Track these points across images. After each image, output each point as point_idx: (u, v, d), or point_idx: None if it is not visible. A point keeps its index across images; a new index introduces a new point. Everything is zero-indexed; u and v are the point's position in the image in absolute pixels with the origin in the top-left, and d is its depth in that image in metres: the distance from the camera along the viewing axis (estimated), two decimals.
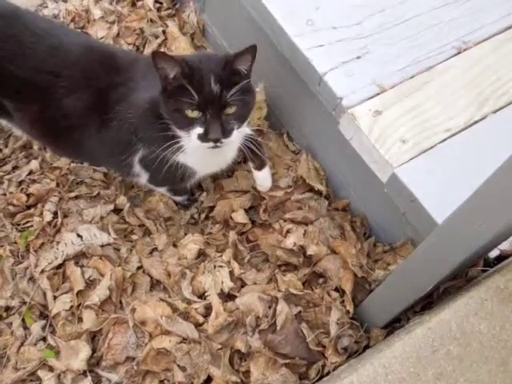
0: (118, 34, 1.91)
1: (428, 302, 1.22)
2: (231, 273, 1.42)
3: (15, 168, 1.68)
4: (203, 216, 1.59)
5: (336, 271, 1.37)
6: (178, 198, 1.59)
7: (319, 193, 1.53)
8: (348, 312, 1.33)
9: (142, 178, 1.45)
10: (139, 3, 1.94)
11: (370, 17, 1.41)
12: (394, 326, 1.28)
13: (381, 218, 1.44)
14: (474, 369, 0.83)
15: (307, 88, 1.40)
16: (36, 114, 1.35)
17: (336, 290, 1.37)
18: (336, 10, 1.41)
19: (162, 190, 1.55)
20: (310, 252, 1.38)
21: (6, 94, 1.34)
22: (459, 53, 1.39)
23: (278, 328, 1.30)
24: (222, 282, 1.40)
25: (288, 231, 1.44)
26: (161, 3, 1.92)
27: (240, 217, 1.51)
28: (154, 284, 1.48)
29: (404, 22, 1.43)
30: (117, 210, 1.60)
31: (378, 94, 1.32)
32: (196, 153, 1.27)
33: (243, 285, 1.43)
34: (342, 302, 1.35)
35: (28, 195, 1.61)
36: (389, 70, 1.35)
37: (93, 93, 1.30)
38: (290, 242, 1.39)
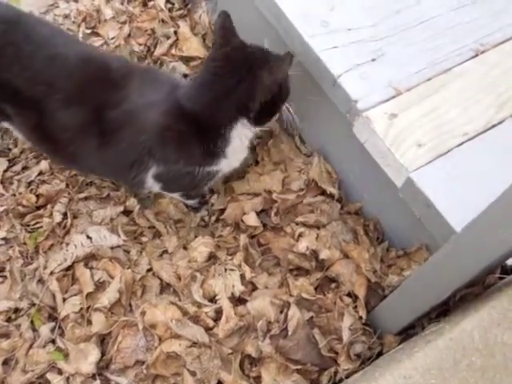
0: (129, 35, 1.89)
1: (444, 309, 1.20)
2: (242, 276, 1.41)
3: (25, 168, 1.67)
4: (214, 218, 1.57)
5: (349, 276, 1.35)
6: (190, 202, 1.58)
7: (331, 196, 1.51)
8: (361, 318, 1.31)
9: (155, 188, 1.44)
10: (150, 3, 1.93)
11: (385, 18, 1.39)
12: (408, 332, 1.26)
13: (394, 222, 1.42)
14: (497, 381, 0.81)
15: (321, 90, 1.39)
16: (33, 122, 1.33)
17: (349, 295, 1.35)
18: (351, 12, 1.39)
19: (176, 195, 1.53)
20: (322, 256, 1.37)
21: (5, 98, 1.33)
22: (477, 55, 1.37)
23: (290, 333, 1.28)
24: (233, 286, 1.39)
25: (300, 235, 1.42)
26: (172, 4, 1.91)
27: (251, 220, 1.49)
28: (164, 287, 1.46)
29: (420, 23, 1.41)
30: (127, 212, 1.58)
31: (393, 97, 1.30)
32: (235, 153, 1.33)
33: (254, 289, 1.41)
34: (355, 307, 1.33)
35: (37, 196, 1.59)
36: (405, 72, 1.33)
37: (89, 109, 1.28)
38: (302, 246, 1.37)
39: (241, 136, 1.31)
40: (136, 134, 1.28)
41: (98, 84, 1.30)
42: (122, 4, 1.95)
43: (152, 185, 1.40)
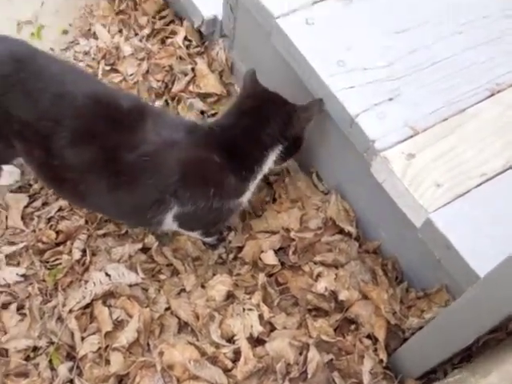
0: (147, 71, 1.92)
1: (467, 354, 1.18)
2: (260, 316, 1.40)
3: (45, 204, 1.68)
4: (231, 256, 1.57)
5: (368, 317, 1.34)
6: (209, 239, 1.58)
7: (349, 234, 1.51)
8: (381, 361, 1.29)
9: (173, 227, 1.45)
10: (169, 41, 1.96)
11: (401, 58, 1.39)
12: (429, 377, 1.24)
13: (414, 262, 1.40)
14: None
15: (338, 129, 1.39)
16: (41, 159, 1.34)
17: (368, 337, 1.34)
18: (367, 51, 1.40)
19: (195, 233, 1.53)
20: (341, 297, 1.36)
21: (15, 134, 1.35)
22: (492, 95, 1.36)
23: (309, 376, 1.27)
24: (252, 326, 1.38)
25: (319, 275, 1.41)
26: (190, 41, 1.94)
27: (269, 258, 1.49)
28: (182, 326, 1.46)
29: (436, 63, 1.41)
30: (145, 249, 1.59)
31: (410, 137, 1.30)
32: (255, 184, 1.41)
33: (272, 329, 1.40)
34: (375, 350, 1.31)
35: (57, 232, 1.61)
36: (421, 112, 1.33)
37: (100, 149, 1.29)
38: (321, 286, 1.37)
39: (268, 166, 1.41)
40: (159, 175, 1.29)
41: (109, 123, 1.31)
42: (141, 41, 1.99)
43: (170, 225, 1.41)
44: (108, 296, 1.49)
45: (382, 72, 1.37)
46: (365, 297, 1.38)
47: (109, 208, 1.45)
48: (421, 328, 1.24)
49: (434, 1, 1.51)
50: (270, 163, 1.40)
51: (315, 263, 1.46)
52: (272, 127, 1.35)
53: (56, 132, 1.28)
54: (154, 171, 1.29)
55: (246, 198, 1.43)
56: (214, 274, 1.54)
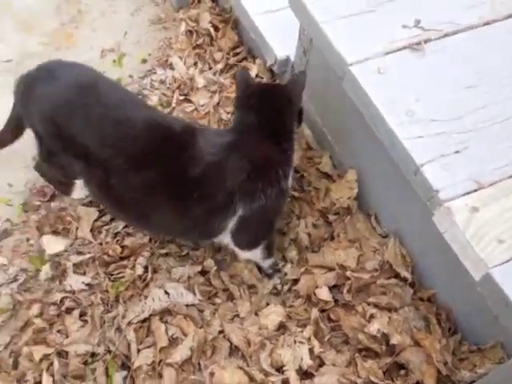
0: (218, 103, 2.03)
1: None
2: (311, 350, 1.44)
3: (112, 219, 1.78)
4: (286, 288, 1.62)
5: (419, 365, 1.35)
6: (268, 261, 1.63)
7: (404, 280, 1.53)
8: None
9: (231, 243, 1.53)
10: None
11: (470, 112, 1.42)
12: None
13: (469, 315, 1.41)
14: None
15: (402, 176, 1.43)
16: (101, 180, 1.43)
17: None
18: (436, 103, 1.44)
19: (258, 250, 1.57)
20: (393, 341, 1.38)
21: (77, 155, 1.45)
22: None
23: None
24: (301, 359, 1.42)
25: (372, 316, 1.44)
26: (261, 78, 2.03)
27: (324, 294, 1.53)
28: (233, 350, 1.51)
29: (504, 120, 1.43)
30: (203, 272, 1.66)
31: (475, 191, 1.32)
32: None
33: (322, 364, 1.43)
34: None
35: (122, 247, 1.70)
36: (487, 167, 1.35)
37: (162, 171, 1.39)
38: (374, 328, 1.39)
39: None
40: (226, 179, 1.39)
41: (168, 145, 1.41)
42: (214, 75, 2.10)
43: (223, 237, 1.50)
44: (165, 313, 1.56)
45: (450, 124, 1.40)
46: (417, 343, 1.39)
47: (173, 225, 1.52)
48: (472, 382, 1.24)
49: (505, 59, 1.54)
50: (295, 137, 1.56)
51: (368, 304, 1.49)
52: (292, 108, 1.52)
53: (117, 155, 1.38)
54: (220, 177, 1.39)
55: (290, 180, 1.52)
56: (267, 304, 1.58)
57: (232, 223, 1.45)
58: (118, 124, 1.40)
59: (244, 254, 1.61)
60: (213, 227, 1.46)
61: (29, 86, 1.49)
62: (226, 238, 1.53)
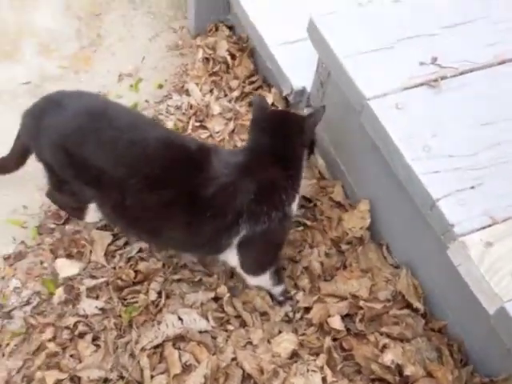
0: (233, 130, 2.06)
1: None
2: (324, 379, 1.45)
3: (126, 244, 1.80)
4: (298, 316, 1.63)
5: None
6: (278, 288, 1.64)
7: (416, 310, 1.55)
8: None
9: (235, 261, 1.55)
10: None
11: (486, 149, 1.46)
12: None
13: (481, 347, 1.43)
14: None
15: (416, 209, 1.45)
16: (115, 201, 1.46)
17: None
18: (453, 140, 1.47)
19: (267, 276, 1.59)
20: (407, 372, 1.39)
21: (89, 181, 1.48)
22: None
23: None
24: None
25: (384, 346, 1.45)
26: (277, 107, 2.07)
27: (336, 323, 1.54)
28: (245, 378, 1.52)
29: None
30: (216, 298, 1.67)
31: (489, 226, 1.35)
32: None
33: None
34: None
35: (136, 272, 1.71)
36: (502, 203, 1.38)
37: (176, 192, 1.42)
38: (387, 358, 1.40)
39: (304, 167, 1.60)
40: (235, 199, 1.42)
41: (183, 164, 1.44)
42: (230, 102, 2.14)
43: (234, 255, 1.52)
44: (179, 339, 1.57)
45: (466, 160, 1.43)
46: (429, 374, 1.41)
47: (184, 240, 1.55)
48: None
49: None
50: (304, 165, 1.58)
51: (381, 334, 1.50)
52: (298, 138, 1.54)
53: (131, 175, 1.41)
54: (231, 197, 1.42)
55: (295, 206, 1.55)
56: (279, 331, 1.60)
57: (236, 240, 1.48)
58: (132, 145, 1.43)
59: (252, 281, 1.63)
60: (220, 243, 1.50)
61: (37, 118, 1.52)
62: (233, 260, 1.56)
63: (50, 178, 1.62)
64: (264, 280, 1.61)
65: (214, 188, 1.41)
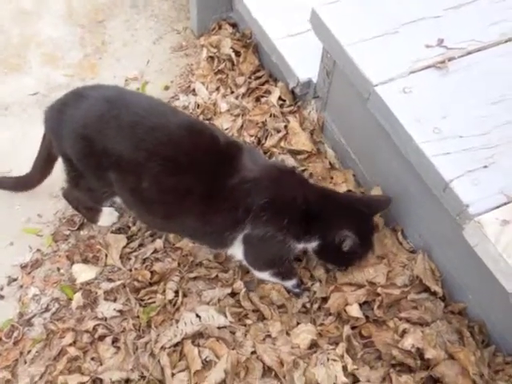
0: (241, 126, 2.06)
1: None
2: (344, 368, 1.43)
3: (141, 245, 1.81)
4: (316, 306, 1.62)
5: (454, 378, 1.35)
6: (288, 283, 1.65)
7: (435, 294, 1.53)
8: None
9: (239, 254, 1.58)
10: (263, 99, 2.09)
11: (496, 128, 1.44)
12: None
13: (502, 326, 1.41)
14: None
15: (430, 192, 1.44)
16: (133, 185, 1.48)
17: None
18: (463, 120, 1.46)
19: (267, 274, 1.61)
20: (428, 355, 1.38)
21: (110, 166, 1.48)
22: None
23: None
24: (336, 377, 1.42)
25: (404, 331, 1.44)
26: (284, 100, 2.06)
27: (354, 311, 1.53)
28: (266, 371, 1.51)
29: None
30: (233, 294, 1.67)
31: (505, 204, 1.33)
32: None
33: (356, 381, 1.43)
34: None
35: (152, 272, 1.71)
36: None
37: (198, 178, 1.44)
38: (408, 343, 1.39)
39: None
40: (251, 197, 1.43)
41: (207, 152, 1.46)
42: (237, 99, 2.14)
43: (238, 248, 1.55)
44: (197, 336, 1.57)
45: (477, 140, 1.42)
46: (451, 357, 1.39)
47: (194, 228, 1.56)
48: None
49: None
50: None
51: (400, 319, 1.49)
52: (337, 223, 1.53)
53: (152, 160, 1.42)
54: (247, 195, 1.43)
55: (302, 246, 1.55)
56: (298, 323, 1.59)
57: (240, 237, 1.51)
58: (151, 130, 1.44)
59: (257, 274, 1.65)
60: (227, 236, 1.51)
61: (58, 111, 1.54)
62: (238, 253, 1.58)
63: (68, 174, 1.64)
64: (268, 276, 1.63)
65: (236, 180, 1.43)
